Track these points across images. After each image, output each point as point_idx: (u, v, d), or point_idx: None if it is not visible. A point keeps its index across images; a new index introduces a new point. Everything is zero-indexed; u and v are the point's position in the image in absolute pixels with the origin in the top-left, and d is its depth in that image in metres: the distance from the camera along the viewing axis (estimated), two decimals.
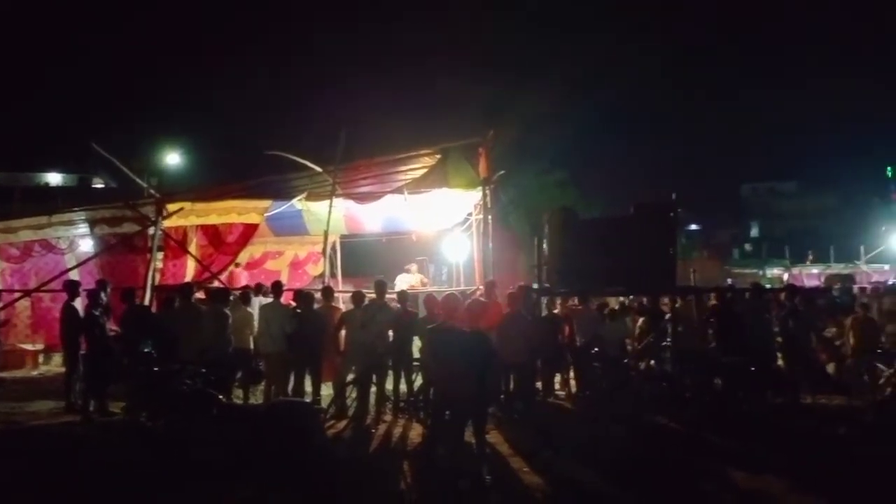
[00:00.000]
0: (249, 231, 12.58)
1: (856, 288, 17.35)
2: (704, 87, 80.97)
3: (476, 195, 12.26)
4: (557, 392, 10.87)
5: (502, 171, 12.53)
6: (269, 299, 10.10)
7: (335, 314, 10.00)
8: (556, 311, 11.34)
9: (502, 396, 9.42)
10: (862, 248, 26.79)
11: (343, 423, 8.94)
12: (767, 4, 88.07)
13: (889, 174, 50.31)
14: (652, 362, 11.23)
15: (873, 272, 26.26)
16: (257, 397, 9.79)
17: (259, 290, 10.86)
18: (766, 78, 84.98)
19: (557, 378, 11.04)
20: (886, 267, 27.43)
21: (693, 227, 45.80)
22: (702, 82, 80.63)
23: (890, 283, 21.60)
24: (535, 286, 11.04)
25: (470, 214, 13.28)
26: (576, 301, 11.51)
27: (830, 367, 11.00)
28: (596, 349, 10.40)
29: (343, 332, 9.59)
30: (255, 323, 9.86)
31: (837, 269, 26.48)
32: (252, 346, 9.82)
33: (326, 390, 9.74)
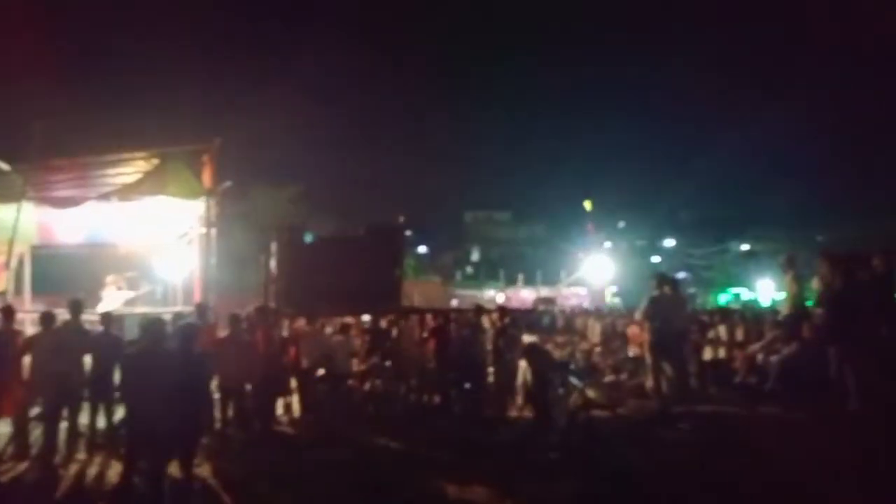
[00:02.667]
0: None
1: (556, 308, 19.60)
2: (438, 115, 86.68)
3: (199, 206, 11.43)
4: (279, 417, 10.47)
5: (229, 183, 11.88)
6: None
7: (17, 338, 8.59)
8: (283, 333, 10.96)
9: (217, 425, 8.81)
10: (563, 273, 30.51)
11: (24, 465, 7.70)
12: (497, 47, 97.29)
13: (587, 208, 58.00)
14: (377, 381, 11.37)
15: (571, 294, 30.06)
16: None
17: None
18: (491, 114, 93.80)
19: (280, 402, 10.65)
20: (583, 291, 31.61)
21: (421, 249, 48.44)
22: (435, 110, 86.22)
23: (583, 305, 24.87)
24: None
25: (191, 228, 12.36)
26: (303, 322, 11.28)
27: None
28: (322, 371, 10.26)
29: (27, 359, 8.25)
30: None
31: (544, 291, 29.77)
32: None
33: (4, 427, 8.36)
